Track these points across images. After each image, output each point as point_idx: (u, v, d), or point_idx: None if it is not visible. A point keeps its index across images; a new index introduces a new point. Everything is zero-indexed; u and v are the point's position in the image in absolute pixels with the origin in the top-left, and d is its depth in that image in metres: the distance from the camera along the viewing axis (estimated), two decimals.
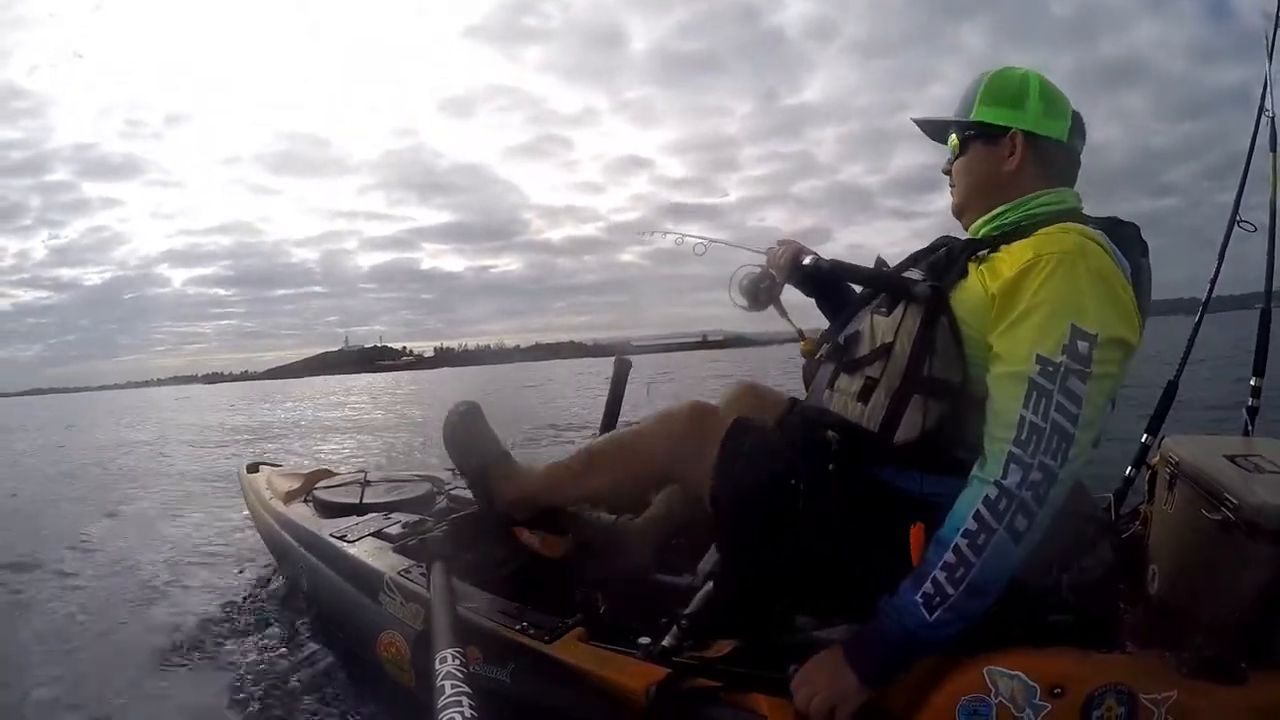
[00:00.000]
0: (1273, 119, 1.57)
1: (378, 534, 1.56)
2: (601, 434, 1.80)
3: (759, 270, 1.34)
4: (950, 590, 0.84)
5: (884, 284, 1.08)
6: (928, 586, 0.85)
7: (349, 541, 1.54)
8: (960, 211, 1.10)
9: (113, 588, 2.17)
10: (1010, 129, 1.01)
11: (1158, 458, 1.32)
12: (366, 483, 1.95)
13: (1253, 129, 1.60)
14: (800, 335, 1.31)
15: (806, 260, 1.27)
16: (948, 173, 1.10)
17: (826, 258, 1.26)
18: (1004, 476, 0.83)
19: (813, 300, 1.37)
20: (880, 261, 1.16)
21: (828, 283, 1.33)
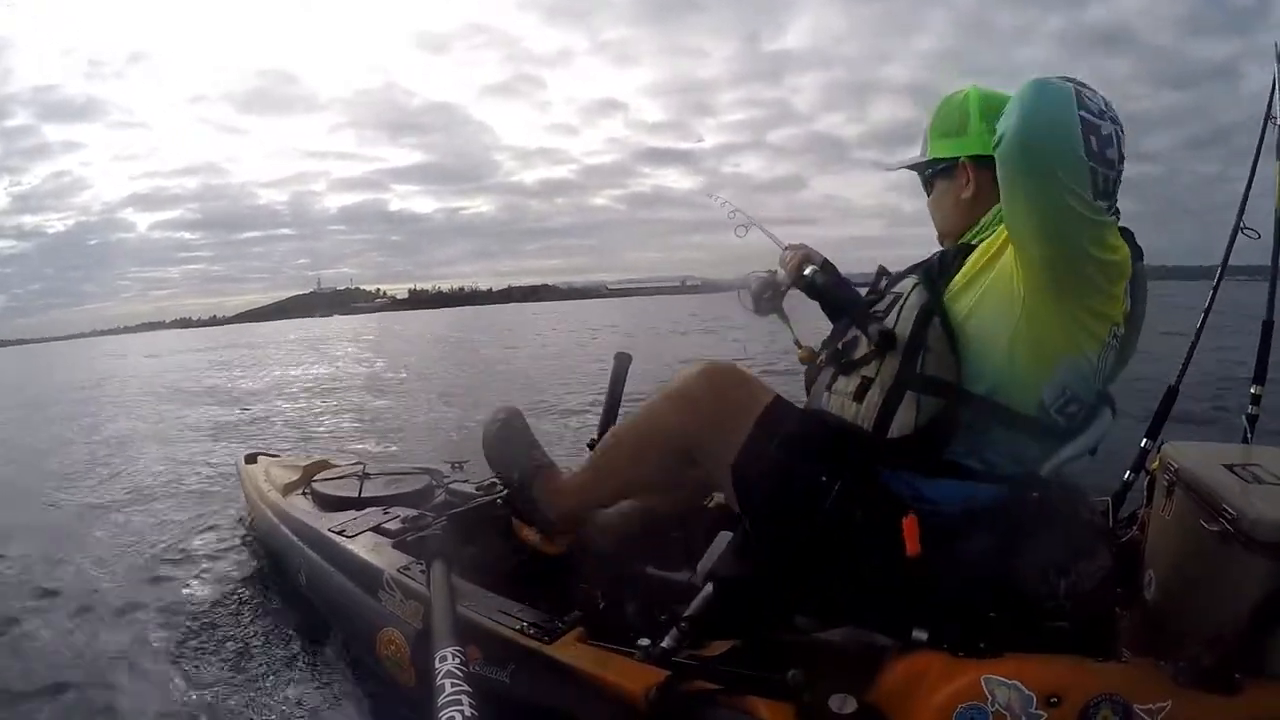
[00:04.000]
0: None
1: (377, 529, 1.56)
2: (600, 431, 1.80)
3: (766, 276, 1.39)
4: None
5: (855, 316, 1.09)
6: None
7: (348, 536, 1.54)
8: (941, 243, 1.13)
9: (102, 580, 2.16)
10: (959, 159, 1.04)
11: (1157, 463, 1.33)
12: (365, 475, 1.96)
13: (1259, 135, 1.60)
14: (797, 344, 1.35)
15: (807, 270, 1.31)
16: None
17: (833, 263, 1.32)
18: None
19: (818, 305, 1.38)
20: (882, 270, 1.17)
21: (833, 289, 1.34)
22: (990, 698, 0.88)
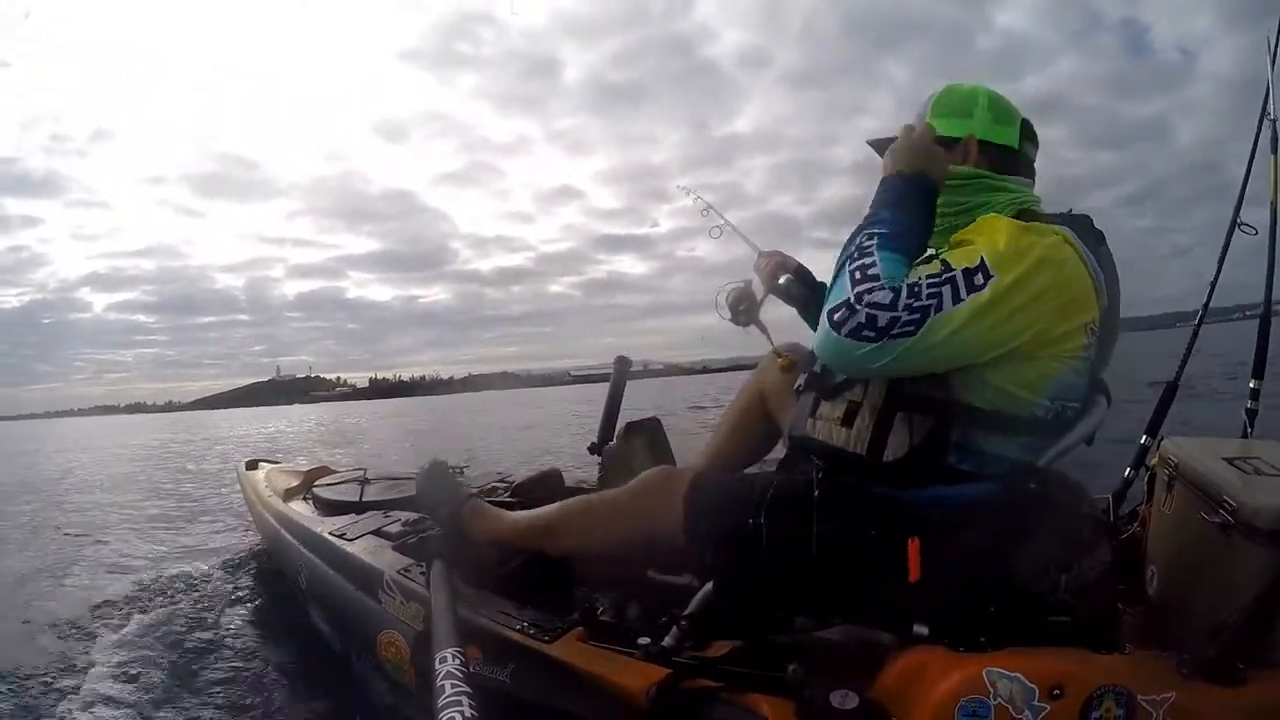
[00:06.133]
0: (1274, 122, 1.57)
1: (377, 532, 1.56)
2: (601, 433, 1.81)
3: (741, 287, 1.38)
4: None
5: None
6: None
7: (349, 539, 1.54)
8: None
9: (105, 583, 2.16)
10: (963, 137, 1.06)
11: (1157, 459, 1.33)
12: (366, 480, 1.96)
13: (1255, 132, 1.61)
14: (776, 353, 1.37)
15: (782, 280, 1.34)
16: None
17: (807, 268, 1.37)
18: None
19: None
20: None
21: (807, 295, 1.36)
22: (992, 691, 0.87)
